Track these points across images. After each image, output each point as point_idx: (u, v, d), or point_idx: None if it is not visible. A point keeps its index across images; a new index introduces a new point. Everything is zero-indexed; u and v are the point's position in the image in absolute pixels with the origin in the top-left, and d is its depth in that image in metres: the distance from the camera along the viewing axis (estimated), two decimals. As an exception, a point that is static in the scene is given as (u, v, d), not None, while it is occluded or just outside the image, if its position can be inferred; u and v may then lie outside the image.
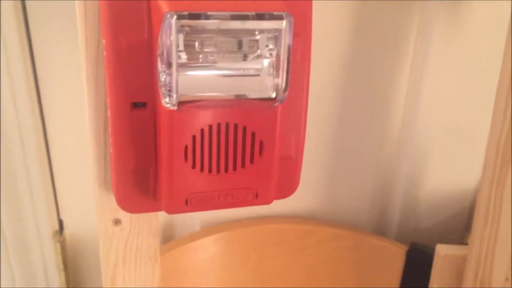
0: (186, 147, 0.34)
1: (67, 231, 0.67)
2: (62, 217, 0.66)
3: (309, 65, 0.36)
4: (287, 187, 0.39)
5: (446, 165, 0.75)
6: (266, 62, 0.33)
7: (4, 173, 0.62)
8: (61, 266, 0.66)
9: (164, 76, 0.32)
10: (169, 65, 0.31)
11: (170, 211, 0.36)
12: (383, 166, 0.75)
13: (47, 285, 0.67)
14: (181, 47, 0.32)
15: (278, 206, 0.74)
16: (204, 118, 0.34)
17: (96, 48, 0.36)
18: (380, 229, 0.79)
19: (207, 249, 0.69)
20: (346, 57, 0.66)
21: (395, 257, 0.71)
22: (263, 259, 0.71)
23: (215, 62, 0.33)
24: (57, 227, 0.66)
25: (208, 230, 0.71)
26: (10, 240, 0.65)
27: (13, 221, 0.64)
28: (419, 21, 0.65)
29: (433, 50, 0.67)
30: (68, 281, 0.67)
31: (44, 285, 0.67)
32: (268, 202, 0.37)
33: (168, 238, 0.72)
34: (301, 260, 0.72)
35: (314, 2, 0.36)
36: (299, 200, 0.75)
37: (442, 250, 0.65)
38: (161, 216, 0.64)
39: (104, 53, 0.35)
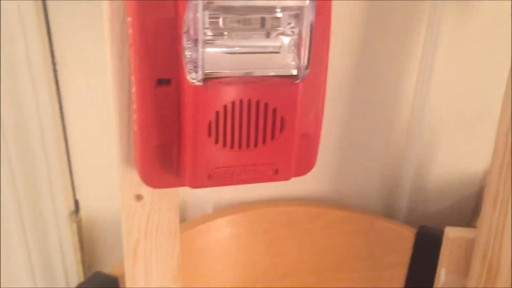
0: (209, 123, 0.35)
1: (83, 211, 0.68)
2: (78, 198, 0.68)
3: (328, 45, 0.37)
4: (305, 164, 0.40)
5: (455, 149, 0.76)
6: (288, 39, 0.34)
7: (22, 155, 0.63)
8: (77, 246, 0.67)
9: (190, 53, 0.33)
10: (195, 42, 0.32)
11: (193, 185, 0.37)
12: (393, 150, 0.76)
13: (63, 264, 0.69)
14: (207, 24, 0.33)
15: (289, 188, 0.76)
16: (227, 95, 0.35)
17: (120, 26, 0.37)
18: (388, 213, 0.80)
19: (219, 231, 0.71)
20: (358, 42, 0.67)
21: (404, 239, 0.72)
22: (273, 240, 0.73)
23: (238, 39, 0.34)
24: (73, 207, 0.67)
25: (221, 212, 0.72)
26: (28, 220, 0.66)
27: (31, 202, 0.65)
28: (430, 6, 0.66)
29: (444, 36, 0.67)
30: (83, 260, 0.69)
31: (60, 264, 0.69)
32: (287, 178, 0.38)
33: (180, 220, 0.73)
34: (311, 241, 0.73)
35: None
36: (309, 183, 0.76)
37: (451, 233, 0.66)
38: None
39: (130, 31, 0.35)
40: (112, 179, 0.67)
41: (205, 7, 0.32)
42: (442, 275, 0.67)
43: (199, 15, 0.32)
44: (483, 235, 0.63)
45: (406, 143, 0.75)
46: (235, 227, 0.71)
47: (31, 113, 0.61)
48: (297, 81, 0.35)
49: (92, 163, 0.66)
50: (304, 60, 0.34)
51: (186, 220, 0.73)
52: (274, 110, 0.36)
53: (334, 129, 0.72)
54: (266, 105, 0.35)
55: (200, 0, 0.32)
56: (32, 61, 0.59)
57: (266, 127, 0.36)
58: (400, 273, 0.73)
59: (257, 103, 0.35)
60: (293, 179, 0.75)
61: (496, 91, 0.71)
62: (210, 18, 0.33)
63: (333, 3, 0.63)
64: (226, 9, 0.33)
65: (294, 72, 0.35)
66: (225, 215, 0.71)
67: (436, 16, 0.67)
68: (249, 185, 0.74)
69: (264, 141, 0.36)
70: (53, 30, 0.59)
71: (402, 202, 0.79)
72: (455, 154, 0.77)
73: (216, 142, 0.36)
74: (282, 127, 0.36)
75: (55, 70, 0.60)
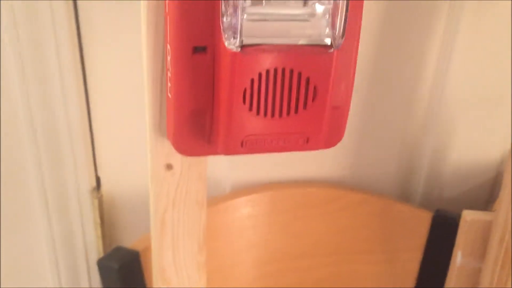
0: (244, 90, 0.36)
1: (104, 188, 0.69)
2: (100, 175, 0.68)
3: (361, 14, 0.38)
4: (334, 135, 0.41)
5: (472, 135, 0.76)
6: (324, 8, 0.35)
7: (47, 133, 0.64)
8: (98, 221, 0.68)
9: (229, 19, 0.33)
10: (235, 8, 0.33)
11: (226, 152, 0.38)
12: (410, 134, 0.76)
13: (84, 239, 0.70)
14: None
15: (306, 170, 0.76)
16: (263, 62, 0.35)
17: (157, -5, 0.38)
18: (404, 197, 0.81)
19: (238, 210, 0.71)
20: (379, 21, 0.67)
21: (420, 222, 0.73)
22: (291, 221, 0.73)
23: (276, 7, 0.34)
24: (95, 184, 0.68)
25: (239, 192, 0.73)
26: (51, 196, 0.67)
27: (54, 178, 0.66)
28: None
29: (464, 22, 0.68)
30: (104, 235, 0.69)
31: (81, 239, 0.70)
32: (317, 147, 0.39)
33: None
34: (327, 223, 0.74)
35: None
36: (327, 165, 0.77)
37: (468, 215, 0.66)
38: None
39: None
40: (134, 157, 0.67)
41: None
42: (459, 257, 0.67)
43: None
44: (501, 218, 0.63)
45: (423, 128, 0.75)
46: (253, 207, 0.72)
47: (56, 89, 0.62)
48: (332, 51, 0.36)
49: (114, 141, 0.67)
50: (339, 29, 0.35)
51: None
52: (308, 79, 0.36)
53: (353, 111, 0.72)
54: (299, 74, 0.36)
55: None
56: (59, 39, 0.60)
57: (299, 96, 0.37)
58: (415, 256, 0.74)
59: (291, 71, 0.36)
60: (312, 160, 0.76)
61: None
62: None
63: None
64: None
65: (329, 41, 0.36)
66: (243, 195, 0.72)
67: (457, 4, 0.67)
68: (267, 165, 0.75)
69: (296, 110, 0.37)
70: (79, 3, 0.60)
71: (418, 186, 0.79)
72: (472, 140, 0.77)
73: (250, 109, 0.36)
74: (314, 97, 0.37)
75: (80, 45, 0.61)
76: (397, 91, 0.73)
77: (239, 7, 0.33)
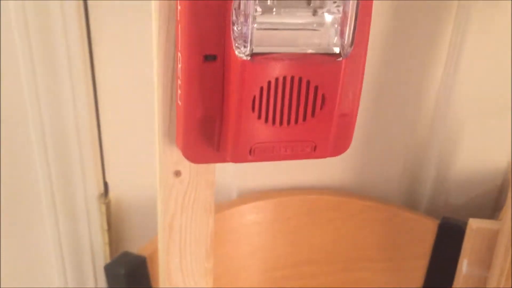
0: (254, 98, 0.36)
1: (112, 193, 0.69)
2: (108, 180, 0.69)
3: (369, 24, 0.38)
4: (341, 144, 0.41)
5: (478, 142, 0.76)
6: (333, 17, 0.35)
7: (56, 138, 0.64)
8: (105, 227, 0.69)
9: (240, 28, 0.34)
10: (245, 17, 0.33)
11: (235, 160, 0.38)
12: (416, 141, 0.76)
13: (91, 244, 0.70)
14: (257, 0, 0.34)
15: (312, 177, 0.77)
16: (272, 70, 0.36)
17: (168, 3, 0.38)
18: (410, 204, 0.81)
19: (243, 217, 0.72)
20: (386, 30, 0.68)
21: (426, 230, 0.73)
22: (296, 228, 0.74)
23: (285, 16, 0.35)
24: (102, 189, 0.69)
25: (245, 198, 0.73)
26: (59, 200, 0.67)
27: (62, 183, 0.67)
28: (459, 2, 0.67)
29: (471, 28, 0.68)
30: (111, 241, 0.70)
31: (88, 244, 0.70)
32: (324, 156, 0.39)
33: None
34: (333, 230, 0.74)
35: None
36: (332, 173, 0.77)
37: (474, 223, 0.66)
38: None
39: (179, 8, 0.37)
40: (141, 163, 0.68)
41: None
42: (464, 266, 0.67)
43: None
44: (507, 227, 0.63)
45: (429, 135, 0.75)
46: (258, 213, 0.72)
47: (65, 94, 0.63)
48: (340, 59, 0.36)
49: (123, 147, 0.68)
50: (348, 38, 0.35)
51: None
52: (316, 88, 0.37)
53: (359, 118, 0.73)
54: (308, 82, 0.36)
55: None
56: (69, 40, 0.60)
57: (307, 104, 0.37)
58: (421, 264, 0.74)
59: (300, 80, 0.36)
60: (318, 167, 0.76)
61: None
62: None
63: None
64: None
65: (337, 50, 0.36)
66: (249, 201, 0.72)
67: (464, 6, 0.67)
68: (273, 172, 0.75)
69: (304, 118, 0.37)
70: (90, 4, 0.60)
71: (424, 193, 0.79)
72: (479, 146, 0.77)
73: (259, 117, 0.37)
74: (322, 105, 0.37)
75: (90, 50, 0.62)
76: (403, 98, 0.73)
77: (250, 16, 0.33)
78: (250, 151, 0.38)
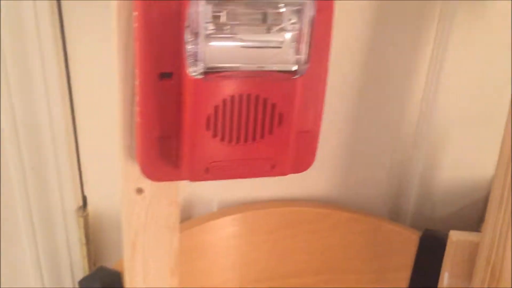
0: (208, 116, 0.36)
1: (90, 207, 0.69)
2: (86, 193, 0.68)
3: (330, 41, 0.38)
4: (303, 161, 0.41)
5: (463, 153, 0.76)
6: (288, 35, 0.35)
7: (33, 151, 0.64)
8: (83, 240, 0.68)
9: (191, 46, 0.33)
10: (196, 35, 0.33)
11: (191, 178, 0.38)
12: (400, 153, 0.75)
13: (69, 258, 0.70)
14: (209, 19, 0.33)
15: (295, 189, 0.76)
16: (227, 89, 0.35)
17: (127, 20, 0.38)
18: (394, 216, 0.80)
19: (224, 229, 0.71)
20: (368, 40, 0.67)
21: (408, 242, 0.72)
22: (278, 240, 0.73)
23: (240, 34, 0.34)
24: (81, 203, 0.68)
25: (225, 210, 0.72)
26: (36, 214, 0.67)
27: (40, 196, 0.66)
28: (442, 5, 0.66)
29: (454, 36, 0.67)
30: (89, 254, 0.69)
31: (66, 258, 0.70)
32: (284, 173, 0.39)
33: (186, 217, 0.74)
34: (316, 242, 0.73)
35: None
36: (316, 184, 0.76)
37: (455, 236, 0.66)
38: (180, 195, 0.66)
39: (135, 25, 0.36)
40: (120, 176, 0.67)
41: (207, 2, 0.33)
42: (446, 278, 0.67)
43: (201, 9, 0.33)
44: (487, 239, 0.62)
45: (413, 145, 0.75)
46: (239, 226, 0.72)
47: (42, 108, 0.62)
48: (296, 77, 0.35)
49: (100, 160, 0.67)
50: (303, 56, 0.35)
51: (192, 217, 0.74)
52: (273, 105, 0.36)
53: (342, 129, 0.72)
54: (265, 100, 0.36)
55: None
56: (45, 57, 0.60)
57: (264, 122, 0.37)
58: (404, 276, 0.73)
59: (256, 97, 0.36)
60: (300, 179, 0.75)
61: (505, 92, 0.70)
62: (212, 12, 0.33)
63: (344, 2, 0.64)
64: (228, 4, 0.33)
65: (294, 67, 0.36)
66: (230, 213, 0.72)
67: (447, 15, 0.67)
68: (255, 183, 0.74)
69: (262, 135, 0.37)
70: (66, 30, 0.60)
71: (408, 205, 0.79)
72: (463, 158, 0.76)
73: (215, 136, 0.36)
74: (280, 122, 0.37)
75: (67, 66, 0.62)
76: (387, 108, 0.72)
77: (200, 35, 0.33)
78: (206, 170, 0.37)
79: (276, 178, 0.75)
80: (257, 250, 0.73)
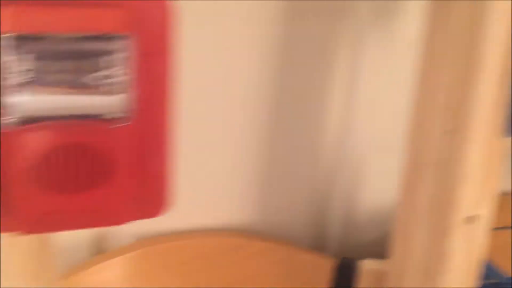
0: (29, 168, 0.34)
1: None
2: None
3: (168, 84, 0.36)
4: (151, 206, 0.39)
5: (382, 179, 0.75)
6: (108, 81, 0.33)
7: None
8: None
9: (2, 97, 0.32)
10: (6, 86, 0.31)
11: (26, 230, 0.36)
12: (318, 180, 0.74)
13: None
14: (16, 68, 0.32)
15: (213, 219, 0.75)
16: (47, 139, 0.34)
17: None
18: (318, 244, 0.79)
19: (124, 267, 0.69)
20: (280, 67, 0.66)
21: (324, 271, 0.71)
22: (190, 273, 0.71)
23: (53, 82, 0.33)
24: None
25: (128, 247, 0.70)
26: None
27: None
28: (354, 31, 0.66)
29: (366, 68, 0.67)
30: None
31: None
32: (119, 223, 0.37)
33: (100, 251, 0.72)
34: (230, 273, 0.72)
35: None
36: (234, 214, 0.75)
37: (365, 265, 0.65)
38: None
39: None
40: None
41: (12, 50, 0.31)
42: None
43: (3, 59, 0.31)
44: (395, 267, 0.62)
45: (332, 172, 0.74)
46: (148, 260, 0.70)
47: None
48: (120, 124, 0.34)
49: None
50: (127, 102, 0.33)
51: (106, 250, 0.72)
52: (98, 154, 0.35)
53: (256, 157, 0.71)
54: (88, 149, 0.34)
55: (3, 43, 0.31)
56: None
57: (92, 172, 0.35)
58: (320, 305, 0.72)
59: (79, 147, 0.34)
60: (220, 209, 0.74)
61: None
62: (20, 61, 0.32)
63: (258, 24, 0.62)
64: (36, 52, 0.32)
65: (118, 114, 0.34)
66: (134, 249, 0.70)
67: (359, 41, 0.66)
68: (174, 214, 0.73)
69: (91, 185, 0.35)
70: None
71: (332, 233, 0.77)
72: (384, 184, 0.76)
73: (39, 187, 0.35)
74: (110, 171, 0.35)
75: None
76: (302, 137, 0.72)
77: (6, 85, 0.32)
78: (37, 222, 0.36)
79: (198, 207, 0.74)
80: (172, 283, 0.71)
